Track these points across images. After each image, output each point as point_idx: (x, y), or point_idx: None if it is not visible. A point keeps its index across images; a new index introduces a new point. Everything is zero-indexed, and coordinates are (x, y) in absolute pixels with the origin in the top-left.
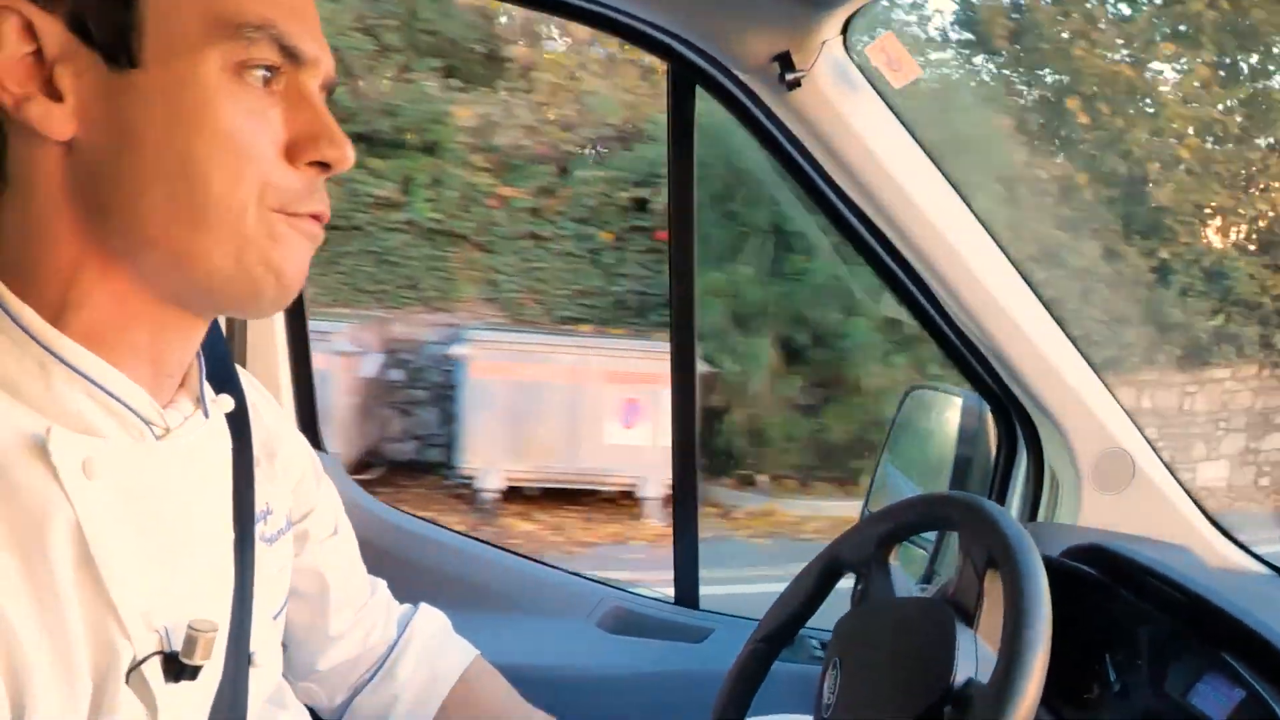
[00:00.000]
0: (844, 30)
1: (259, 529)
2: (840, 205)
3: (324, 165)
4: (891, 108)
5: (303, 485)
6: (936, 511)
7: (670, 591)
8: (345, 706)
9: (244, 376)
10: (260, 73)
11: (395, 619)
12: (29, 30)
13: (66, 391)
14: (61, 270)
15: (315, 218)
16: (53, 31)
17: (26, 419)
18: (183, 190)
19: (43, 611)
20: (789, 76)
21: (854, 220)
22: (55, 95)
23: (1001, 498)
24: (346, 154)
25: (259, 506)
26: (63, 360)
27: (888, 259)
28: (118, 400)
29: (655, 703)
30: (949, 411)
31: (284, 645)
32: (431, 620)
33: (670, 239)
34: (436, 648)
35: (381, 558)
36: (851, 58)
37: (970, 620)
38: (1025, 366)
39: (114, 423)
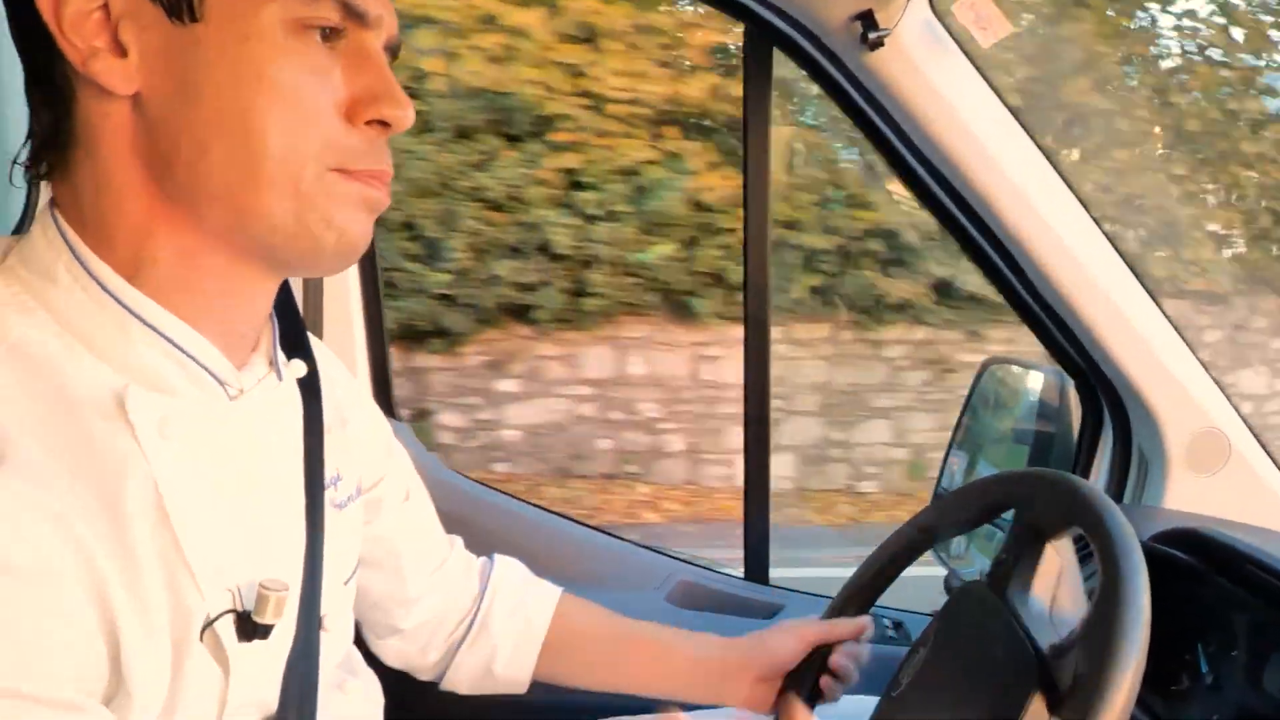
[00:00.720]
0: None
1: (329, 494)
2: (920, 169)
3: (384, 124)
4: (978, 67)
5: (373, 454)
6: (1023, 489)
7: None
8: (444, 665)
9: (317, 346)
10: (320, 31)
11: (476, 573)
12: None
13: (144, 350)
14: (133, 227)
15: (376, 177)
16: None
17: (106, 375)
18: (242, 146)
19: (126, 568)
20: (871, 36)
21: (934, 184)
22: (120, 50)
23: (1084, 478)
24: (407, 113)
25: (329, 473)
26: (141, 318)
27: (968, 224)
28: (193, 359)
29: None
30: (1028, 386)
31: (371, 607)
32: (511, 568)
33: (745, 210)
34: (523, 593)
35: (452, 525)
36: (936, 15)
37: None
38: (1114, 340)
39: (189, 382)
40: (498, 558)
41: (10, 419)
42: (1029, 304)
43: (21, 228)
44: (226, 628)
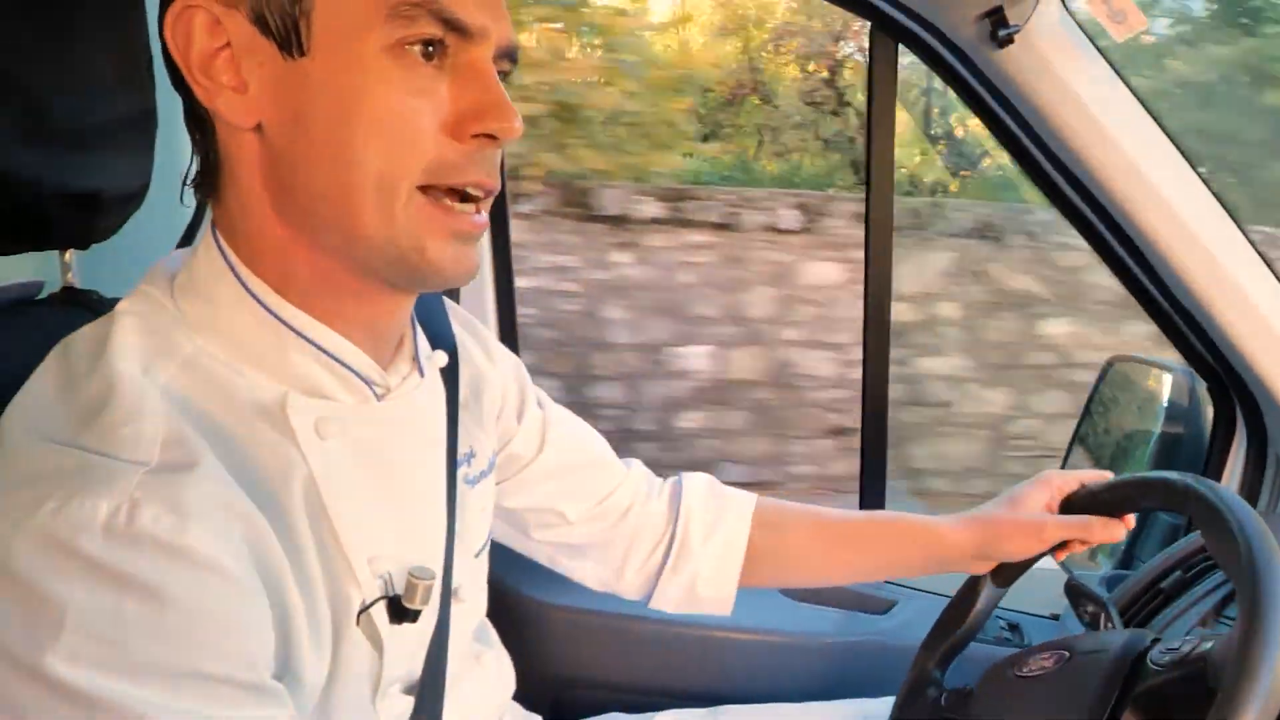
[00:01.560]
0: None
1: (462, 471)
2: (1048, 166)
3: (491, 137)
4: (1111, 63)
5: (504, 416)
6: (1156, 492)
7: None
8: (647, 589)
9: (453, 311)
10: (422, 48)
11: (665, 496)
12: (217, 25)
13: (299, 359)
14: (274, 247)
15: (478, 186)
16: (236, 25)
17: (267, 385)
18: (343, 173)
19: (294, 561)
20: (1001, 33)
21: (1061, 180)
22: (240, 86)
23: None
24: (513, 125)
25: (462, 450)
26: (294, 330)
27: (1097, 221)
28: (343, 365)
29: (839, 670)
30: (1156, 385)
31: (555, 541)
32: (700, 486)
33: (868, 199)
34: (718, 510)
35: None
36: (1069, 10)
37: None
38: (1251, 341)
39: (341, 386)
40: (685, 475)
41: (194, 427)
42: (1159, 302)
43: (191, 237)
44: (380, 613)
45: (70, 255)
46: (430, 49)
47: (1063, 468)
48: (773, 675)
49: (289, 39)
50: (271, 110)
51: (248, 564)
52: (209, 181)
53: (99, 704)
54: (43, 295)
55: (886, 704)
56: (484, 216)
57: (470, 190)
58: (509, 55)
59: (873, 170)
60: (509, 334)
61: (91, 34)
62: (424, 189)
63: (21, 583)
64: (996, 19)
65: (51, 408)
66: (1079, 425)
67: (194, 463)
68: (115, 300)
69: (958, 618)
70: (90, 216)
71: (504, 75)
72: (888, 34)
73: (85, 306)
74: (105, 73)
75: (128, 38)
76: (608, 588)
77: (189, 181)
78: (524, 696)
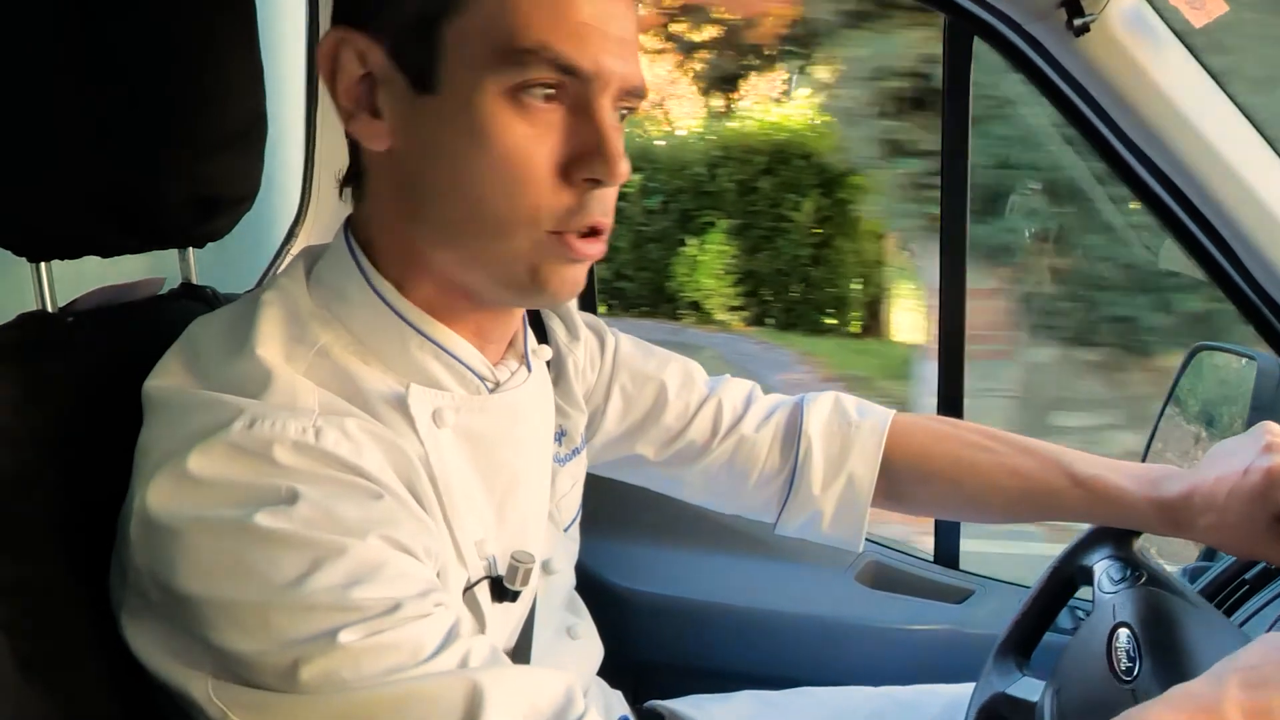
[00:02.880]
0: None
1: (553, 450)
2: (1126, 154)
3: (596, 181)
4: (1191, 49)
5: (592, 391)
6: None
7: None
8: (773, 516)
9: None
10: (540, 91)
11: (778, 421)
12: (362, 56)
13: (418, 354)
14: (401, 256)
15: (594, 228)
16: (377, 58)
17: (391, 380)
18: (464, 205)
19: (419, 540)
20: (1077, 22)
21: (1140, 168)
22: (376, 113)
23: None
24: (617, 170)
25: (554, 430)
26: (416, 328)
27: (1177, 207)
28: (459, 361)
29: (916, 659)
30: (1242, 375)
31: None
32: (825, 412)
33: (943, 193)
34: (841, 442)
35: (632, 491)
36: None
37: None
38: None
39: (456, 380)
40: (808, 399)
41: (333, 396)
42: (1242, 288)
43: (296, 224)
44: (483, 591)
45: (190, 253)
46: (550, 91)
47: (1144, 457)
48: (849, 660)
49: (421, 76)
50: (402, 139)
51: (409, 495)
52: (355, 187)
53: (315, 546)
54: (164, 291)
55: (963, 691)
56: (601, 245)
57: (584, 231)
58: (634, 94)
59: (946, 170)
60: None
61: (211, 48)
62: (551, 232)
63: (217, 482)
64: (1072, 8)
65: (207, 371)
66: (1161, 414)
67: (355, 414)
68: (229, 296)
69: (1042, 609)
70: (209, 218)
71: (630, 111)
72: (963, 27)
73: (203, 301)
74: (224, 84)
75: (243, 51)
76: (738, 511)
77: (342, 182)
78: (606, 676)
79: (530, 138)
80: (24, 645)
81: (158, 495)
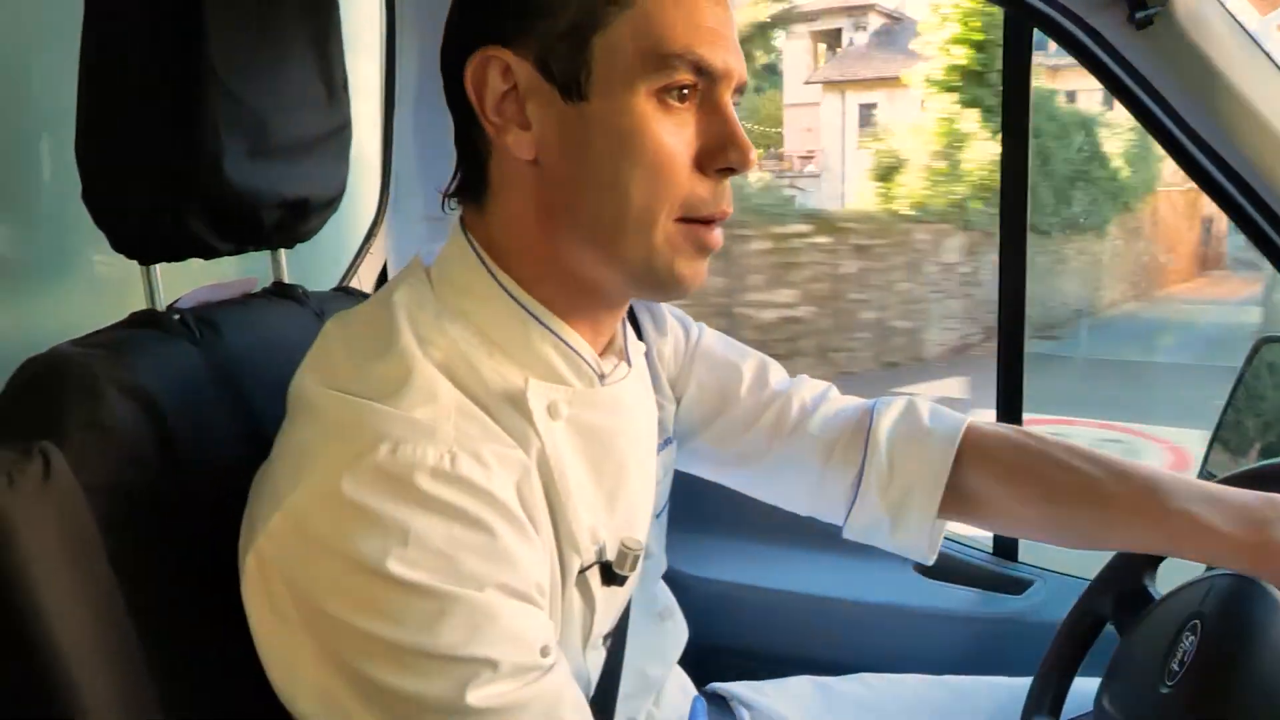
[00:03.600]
0: None
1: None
2: (1191, 146)
3: (730, 169)
4: (1258, 42)
5: (677, 382)
6: None
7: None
8: (841, 516)
9: None
10: (678, 91)
11: (847, 423)
12: (507, 72)
13: (540, 346)
14: (530, 255)
15: (711, 222)
16: (524, 72)
17: (511, 371)
18: (610, 202)
19: (535, 529)
20: (1139, 15)
21: (1205, 160)
22: (525, 124)
23: None
24: (749, 159)
25: (655, 421)
26: (539, 320)
27: (1244, 201)
28: (575, 353)
29: (974, 649)
30: None
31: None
32: (890, 418)
33: (1003, 182)
34: (909, 450)
35: (699, 480)
36: None
37: None
38: None
39: (572, 371)
40: (879, 404)
41: (462, 399)
42: None
43: (375, 224)
44: (594, 576)
45: (281, 254)
46: (685, 91)
47: (1206, 453)
48: (906, 648)
49: (571, 86)
50: (550, 145)
51: (523, 513)
52: (474, 196)
53: (439, 596)
54: (258, 290)
55: (1020, 684)
56: (720, 236)
57: (710, 217)
58: (741, 88)
59: (1007, 158)
60: None
61: (302, 59)
62: (679, 220)
63: (364, 509)
64: (1134, 1)
65: (351, 375)
66: (1225, 411)
67: (482, 430)
68: (317, 294)
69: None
70: (299, 220)
71: (736, 105)
72: (1022, 19)
73: (294, 299)
74: (314, 94)
75: (330, 62)
76: (808, 512)
77: (448, 193)
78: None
79: (674, 132)
80: (144, 620)
81: (310, 506)
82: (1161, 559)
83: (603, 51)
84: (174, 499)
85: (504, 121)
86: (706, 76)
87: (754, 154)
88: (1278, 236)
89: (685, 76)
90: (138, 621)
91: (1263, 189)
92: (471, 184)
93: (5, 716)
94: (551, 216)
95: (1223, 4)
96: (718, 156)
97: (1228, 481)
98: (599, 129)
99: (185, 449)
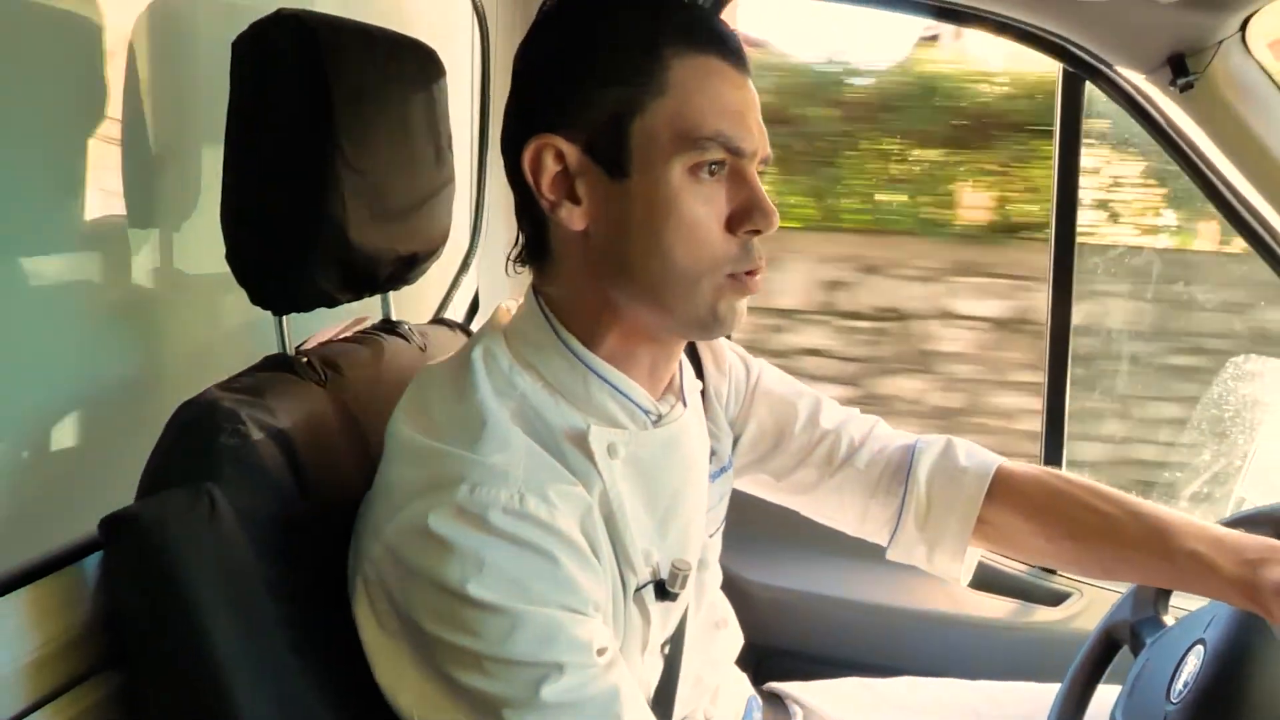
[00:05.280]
0: (1243, 27)
1: (708, 473)
2: (1240, 208)
3: (757, 231)
4: None
5: (736, 417)
6: None
7: None
8: (886, 542)
9: None
10: (709, 167)
11: (890, 458)
12: (559, 155)
13: (599, 396)
14: (590, 314)
15: (752, 273)
16: (573, 154)
17: (575, 417)
18: (657, 265)
19: (597, 556)
20: (1180, 81)
21: (1246, 213)
22: (575, 200)
23: None
24: (772, 222)
25: (708, 453)
26: (597, 374)
27: None
28: (631, 401)
29: (1012, 656)
30: None
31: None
32: (931, 454)
33: (1055, 221)
34: (945, 486)
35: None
36: (1251, 56)
37: None
38: None
39: (628, 417)
40: (921, 441)
41: (531, 445)
42: None
43: (465, 264)
44: (649, 593)
45: (390, 295)
46: (714, 167)
47: (1243, 476)
48: (949, 653)
49: (615, 165)
50: (598, 217)
51: (588, 545)
52: (536, 261)
53: (512, 614)
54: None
55: (1050, 689)
56: (760, 281)
57: (751, 271)
58: (765, 161)
59: (1059, 201)
60: None
61: (414, 128)
62: (729, 276)
63: (446, 541)
64: (1177, 67)
65: (437, 423)
66: (1257, 430)
67: (549, 473)
68: (419, 326)
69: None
70: (409, 269)
71: (762, 174)
72: (1076, 73)
73: (400, 335)
74: (423, 156)
75: (436, 126)
76: (854, 534)
77: (514, 258)
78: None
79: (706, 202)
80: (291, 635)
81: (403, 538)
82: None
83: (641, 135)
84: (308, 524)
85: (558, 198)
86: (735, 154)
87: (776, 217)
88: None
89: (714, 155)
90: (285, 635)
91: None
92: (534, 250)
93: None
94: (605, 278)
95: (1264, 69)
96: (744, 220)
97: (1226, 524)
98: (641, 202)
99: (316, 479)
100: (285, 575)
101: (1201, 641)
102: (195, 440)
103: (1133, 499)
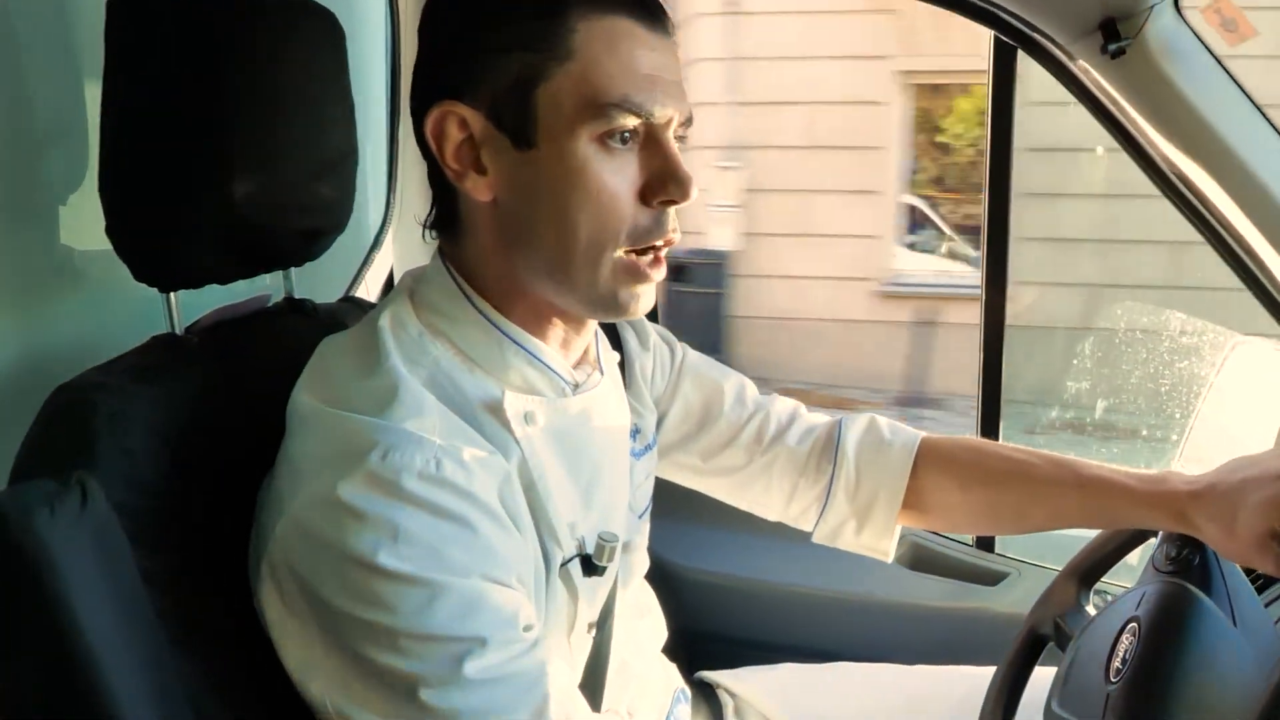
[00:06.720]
0: None
1: (630, 445)
2: (1165, 167)
3: (673, 200)
4: (1228, 72)
5: (660, 396)
6: None
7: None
8: (810, 522)
9: None
10: (620, 135)
11: (817, 438)
12: (463, 123)
13: (516, 361)
14: (499, 283)
15: (658, 256)
16: (477, 123)
17: (490, 384)
18: (560, 237)
19: (517, 527)
20: (1112, 46)
21: (1187, 191)
22: (481, 170)
23: None
24: (688, 191)
25: (628, 427)
26: (513, 340)
27: (1222, 230)
28: (549, 368)
29: (947, 639)
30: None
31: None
32: (856, 431)
33: (988, 193)
34: (872, 460)
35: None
36: (1185, 21)
37: None
38: None
39: (545, 383)
40: (846, 420)
41: (446, 411)
42: (1276, 297)
43: (377, 241)
44: (575, 568)
45: (292, 271)
46: (626, 135)
47: (1181, 453)
48: (885, 637)
49: (520, 134)
50: (505, 188)
51: (506, 515)
52: (447, 230)
53: (429, 585)
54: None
55: (986, 672)
56: (663, 266)
57: (656, 245)
58: (687, 123)
59: (991, 171)
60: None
61: (312, 94)
62: (627, 251)
63: (357, 510)
64: (1108, 32)
65: (344, 392)
66: (1197, 408)
67: (465, 439)
68: (326, 305)
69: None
70: (310, 243)
71: (683, 138)
72: (1007, 41)
73: (304, 313)
74: (323, 125)
75: (337, 94)
76: (777, 518)
77: (427, 226)
78: (664, 649)
79: (616, 172)
80: (171, 626)
81: (310, 512)
82: (1096, 580)
83: (546, 102)
84: (195, 512)
85: (463, 168)
86: (648, 120)
87: (691, 186)
88: (1241, 251)
89: (624, 122)
90: (166, 626)
91: (1229, 211)
92: (444, 219)
93: None
94: (512, 250)
95: (1197, 35)
96: (659, 190)
97: None
98: (547, 173)
99: (205, 465)
100: (166, 565)
101: (1135, 619)
102: (69, 426)
103: (1045, 450)
